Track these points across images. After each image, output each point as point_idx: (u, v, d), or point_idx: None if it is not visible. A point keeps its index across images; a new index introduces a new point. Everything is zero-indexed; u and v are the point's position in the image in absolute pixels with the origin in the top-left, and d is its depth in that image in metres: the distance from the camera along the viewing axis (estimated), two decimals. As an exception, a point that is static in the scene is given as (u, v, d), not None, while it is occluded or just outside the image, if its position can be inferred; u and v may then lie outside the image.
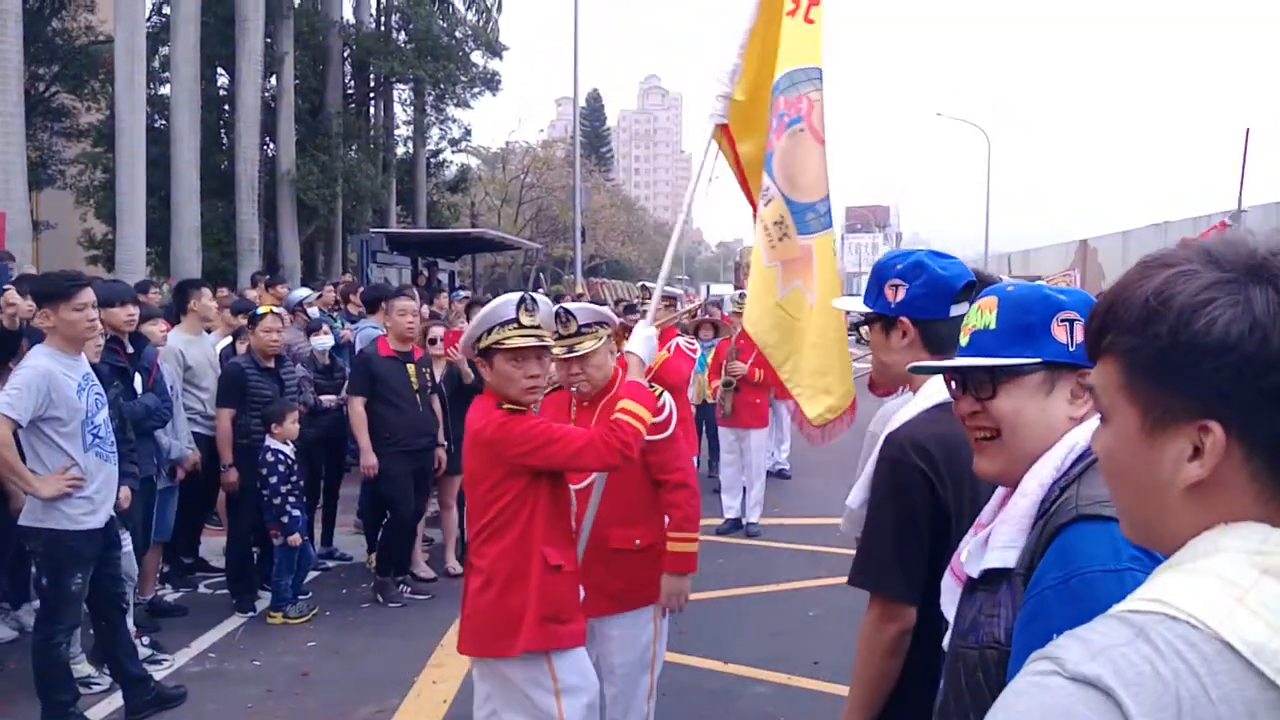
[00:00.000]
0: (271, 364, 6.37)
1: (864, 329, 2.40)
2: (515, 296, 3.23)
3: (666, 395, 3.63)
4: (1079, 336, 1.52)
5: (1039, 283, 2.06)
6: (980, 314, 1.62)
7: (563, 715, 3.14)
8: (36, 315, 4.49)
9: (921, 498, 2.08)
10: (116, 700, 4.80)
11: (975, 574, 1.50)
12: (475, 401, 3.33)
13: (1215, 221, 23.37)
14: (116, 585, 4.69)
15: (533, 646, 3.09)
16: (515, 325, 3.15)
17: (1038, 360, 1.55)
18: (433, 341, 6.94)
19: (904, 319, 2.24)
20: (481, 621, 3.16)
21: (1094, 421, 1.45)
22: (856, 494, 2.28)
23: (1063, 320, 1.54)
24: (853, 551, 2.23)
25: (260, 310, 6.50)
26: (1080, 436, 1.47)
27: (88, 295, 4.38)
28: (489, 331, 3.16)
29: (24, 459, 4.30)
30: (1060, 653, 0.84)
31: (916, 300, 2.22)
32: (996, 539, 1.47)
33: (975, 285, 2.24)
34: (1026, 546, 1.41)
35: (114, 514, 4.61)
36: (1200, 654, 0.80)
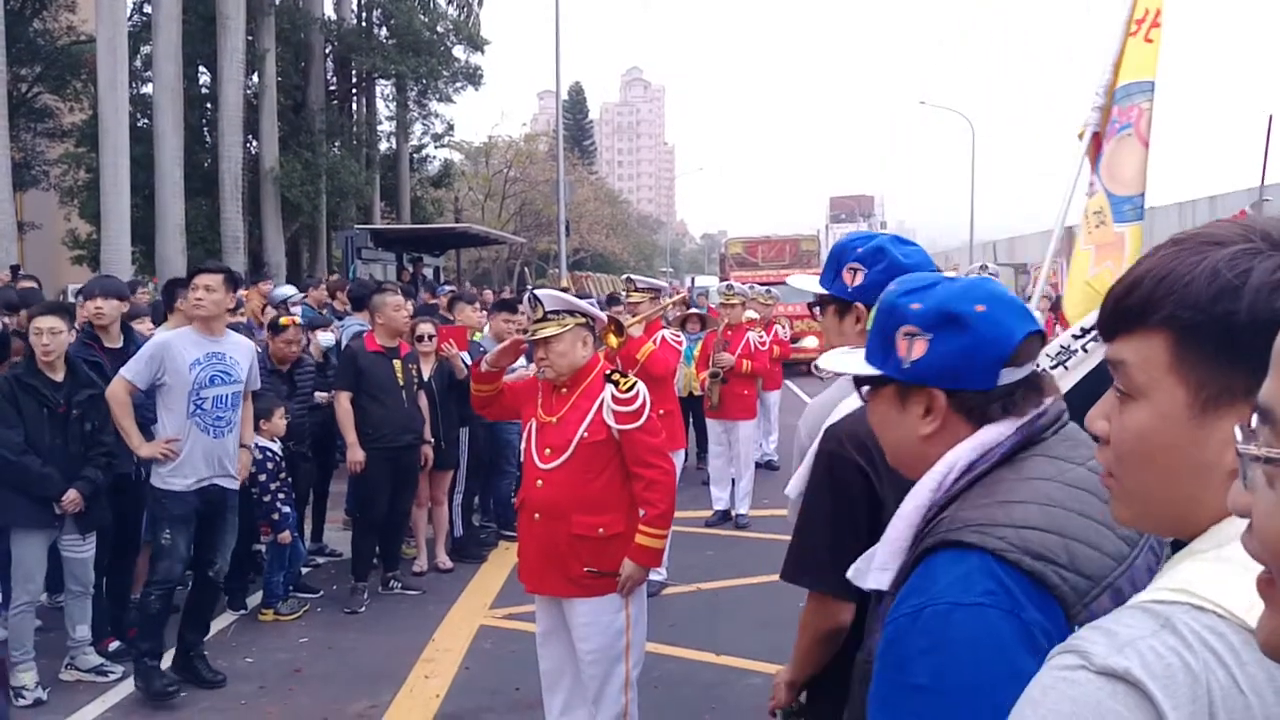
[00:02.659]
0: (285, 368, 6.44)
1: (817, 310, 2.31)
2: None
3: (640, 384, 3.66)
4: (917, 351, 1.40)
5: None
6: (871, 316, 1.54)
7: None
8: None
9: (858, 491, 2.03)
10: (126, 688, 4.99)
11: (863, 586, 1.46)
12: None
13: (1199, 206, 23.50)
14: (208, 552, 5.08)
15: None
16: None
17: (878, 374, 1.46)
18: (420, 339, 6.93)
19: (859, 304, 2.14)
20: None
21: (983, 437, 1.35)
22: (795, 484, 2.24)
23: (905, 334, 1.41)
24: None
25: (282, 321, 6.58)
26: (960, 454, 1.35)
27: (200, 279, 4.97)
28: None
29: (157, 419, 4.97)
30: (1086, 645, 0.81)
31: (875, 287, 1.97)
32: (876, 560, 1.42)
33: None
34: (903, 565, 1.36)
35: (223, 488, 5.02)
36: (1228, 644, 0.78)
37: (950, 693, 1.14)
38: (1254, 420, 0.70)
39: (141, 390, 4.87)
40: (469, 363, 7.05)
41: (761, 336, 8.77)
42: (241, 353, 5.09)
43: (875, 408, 1.49)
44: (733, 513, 8.30)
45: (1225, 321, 0.88)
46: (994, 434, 1.35)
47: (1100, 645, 0.80)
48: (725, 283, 10.11)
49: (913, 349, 1.40)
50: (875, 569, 1.42)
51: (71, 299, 7.86)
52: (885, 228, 59.02)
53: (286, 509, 6.08)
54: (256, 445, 5.99)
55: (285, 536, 6.03)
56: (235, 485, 5.13)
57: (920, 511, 1.36)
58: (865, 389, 1.51)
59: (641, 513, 3.62)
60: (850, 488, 2.05)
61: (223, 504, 5.05)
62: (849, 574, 1.50)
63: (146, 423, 5.04)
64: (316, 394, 7.00)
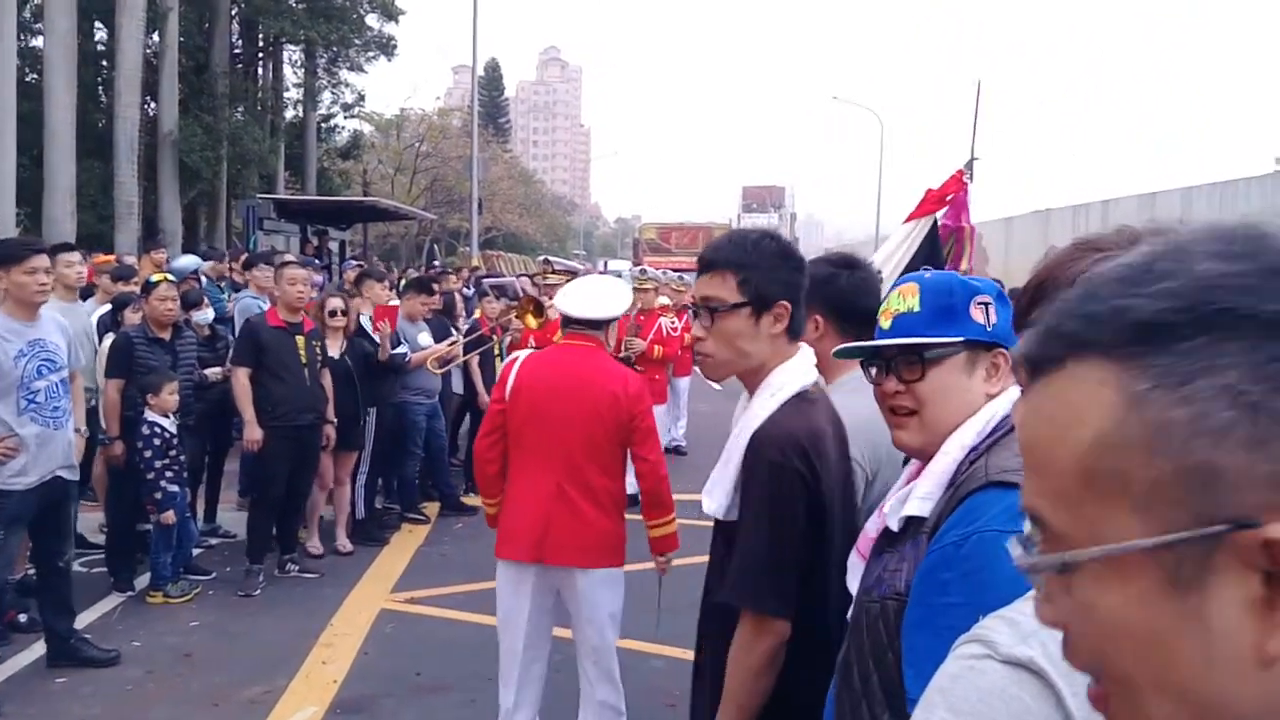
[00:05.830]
0: (166, 335, 6.10)
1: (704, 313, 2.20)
2: None
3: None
4: (994, 318, 1.59)
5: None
6: (902, 298, 1.64)
7: None
8: None
9: (801, 501, 2.05)
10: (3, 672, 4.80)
11: (895, 526, 1.55)
12: None
13: (1093, 209, 24.35)
14: (57, 543, 4.85)
15: None
16: None
17: (961, 340, 1.60)
18: (332, 314, 6.74)
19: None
20: None
21: (1013, 394, 1.53)
22: (721, 500, 2.18)
23: (979, 303, 1.60)
24: None
25: (154, 278, 6.22)
26: (999, 408, 1.54)
27: (40, 260, 4.55)
28: None
29: None
30: (991, 635, 0.84)
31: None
32: (918, 491, 1.53)
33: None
34: (937, 507, 1.46)
35: (65, 479, 4.75)
36: None
37: (988, 606, 1.18)
38: (1028, 527, 0.68)
39: None
40: (396, 348, 6.95)
41: (673, 322, 8.78)
42: (58, 334, 4.77)
43: (939, 375, 1.59)
44: (639, 497, 8.28)
45: None
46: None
47: (1005, 635, 0.83)
48: (639, 268, 10.10)
49: (989, 315, 1.60)
50: (917, 498, 1.51)
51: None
52: (795, 219, 59.78)
53: (173, 488, 5.82)
54: (145, 420, 5.76)
55: (168, 517, 5.77)
56: (76, 476, 4.92)
57: (965, 450, 1.51)
58: (910, 364, 1.60)
59: None
60: (794, 499, 2.05)
61: (65, 495, 4.82)
62: (885, 510, 1.61)
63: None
64: (209, 370, 6.71)
